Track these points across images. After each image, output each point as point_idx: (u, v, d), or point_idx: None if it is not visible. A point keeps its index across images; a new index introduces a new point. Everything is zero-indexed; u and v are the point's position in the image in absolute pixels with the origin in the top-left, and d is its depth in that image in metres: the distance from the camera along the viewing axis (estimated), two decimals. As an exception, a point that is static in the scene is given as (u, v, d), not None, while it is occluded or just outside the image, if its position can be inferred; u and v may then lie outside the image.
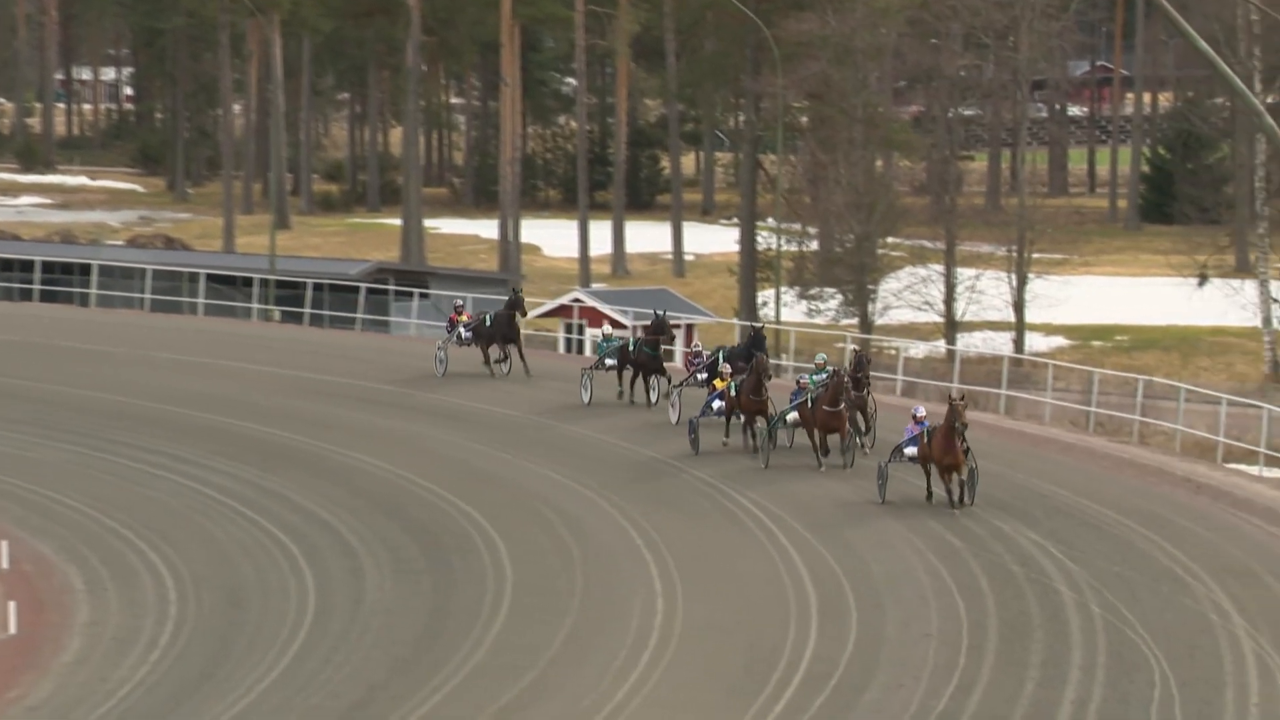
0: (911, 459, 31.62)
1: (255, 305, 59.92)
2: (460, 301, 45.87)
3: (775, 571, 28.81)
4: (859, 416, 35.44)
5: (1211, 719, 22.38)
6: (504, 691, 23.83)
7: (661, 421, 40.07)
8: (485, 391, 43.76)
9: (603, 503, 32.95)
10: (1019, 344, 66.11)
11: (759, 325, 38.56)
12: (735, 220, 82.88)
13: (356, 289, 59.63)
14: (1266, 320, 63.55)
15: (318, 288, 59.59)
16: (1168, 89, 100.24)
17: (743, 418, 35.56)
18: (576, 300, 60.06)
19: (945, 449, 30.50)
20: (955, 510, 30.76)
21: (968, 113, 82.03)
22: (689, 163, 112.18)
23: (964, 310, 66.94)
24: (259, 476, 35.28)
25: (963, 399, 31.47)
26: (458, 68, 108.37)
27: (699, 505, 32.83)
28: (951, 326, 66.40)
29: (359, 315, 58.47)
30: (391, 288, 60.59)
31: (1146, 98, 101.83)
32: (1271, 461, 39.40)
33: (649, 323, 41.17)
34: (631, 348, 39.28)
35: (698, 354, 39.03)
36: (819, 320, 67.91)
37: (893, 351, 59.31)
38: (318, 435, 38.62)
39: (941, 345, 62.42)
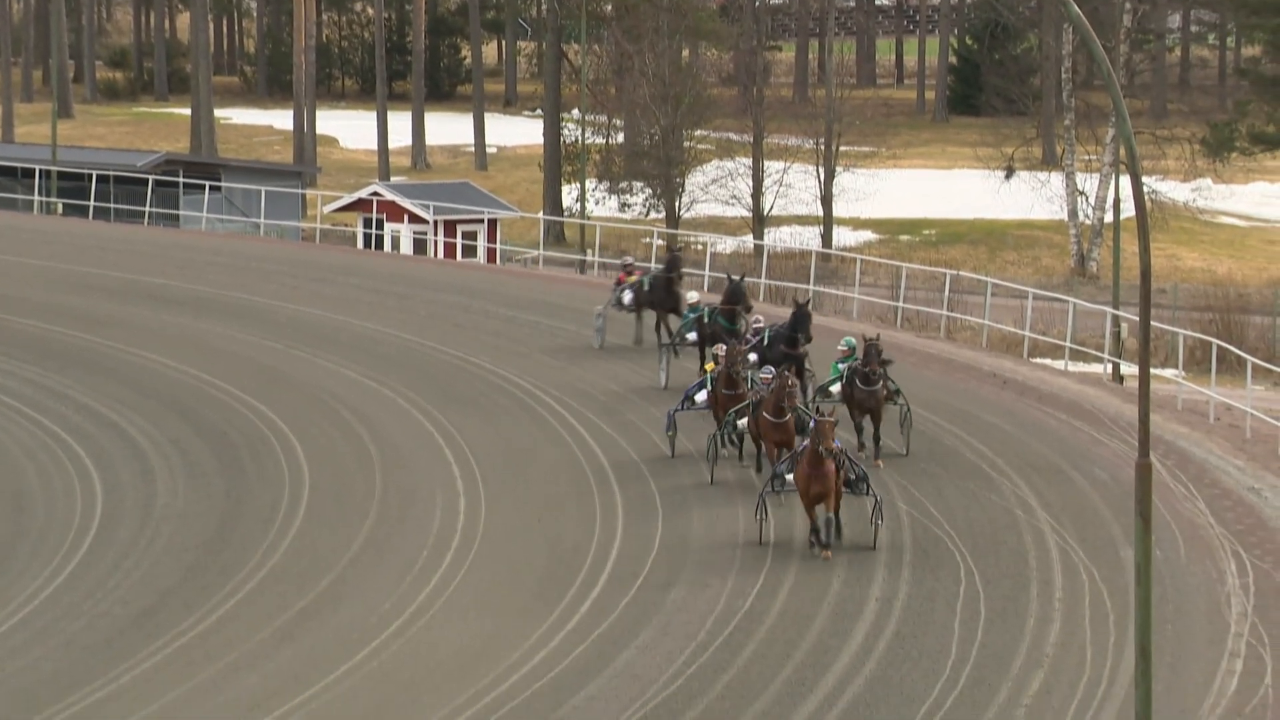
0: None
1: (36, 198, 58.74)
2: (630, 259, 39.02)
3: (581, 472, 28.90)
4: (867, 421, 28.93)
5: (1016, 614, 22.85)
6: (301, 595, 23.72)
7: (461, 321, 39.99)
8: (277, 288, 43.31)
9: (402, 402, 32.82)
10: (827, 239, 66.70)
11: (804, 302, 31.86)
12: (539, 112, 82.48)
13: (144, 181, 58.64)
14: (1073, 213, 64.61)
15: (103, 180, 58.54)
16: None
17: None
18: (375, 194, 59.58)
19: (811, 476, 24.38)
20: (824, 554, 24.53)
21: (775, 1, 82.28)
22: (490, 52, 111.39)
23: (772, 204, 67.37)
24: (41, 375, 34.66)
25: (831, 415, 25.28)
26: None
27: (501, 404, 32.81)
28: (759, 221, 66.81)
29: (147, 209, 57.50)
30: (181, 180, 59.66)
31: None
32: (1076, 356, 40.19)
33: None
34: (707, 318, 33.63)
35: (754, 329, 32.54)
36: (627, 215, 68.03)
37: (700, 246, 59.56)
38: (103, 333, 38.01)
39: (749, 240, 62.77)
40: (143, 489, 28.30)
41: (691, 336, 33.90)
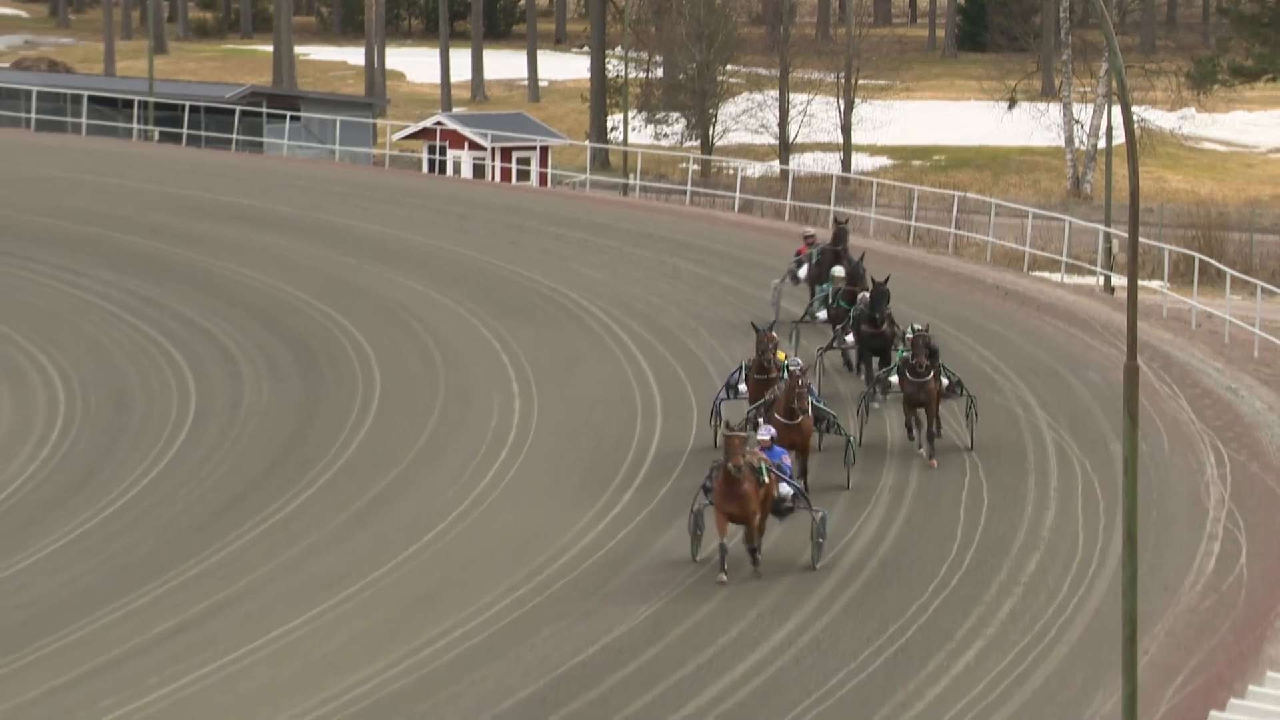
0: None
1: (135, 126, 58.72)
2: (811, 230, 34.74)
3: (623, 374, 28.90)
4: (921, 415, 24.66)
5: (1016, 503, 22.83)
6: (372, 485, 23.81)
7: (516, 239, 39.89)
8: (350, 209, 43.27)
9: (463, 311, 32.81)
10: (846, 164, 66.35)
11: (882, 280, 27.54)
12: (586, 49, 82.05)
13: (231, 112, 58.58)
14: (1069, 140, 64.19)
15: (194, 110, 58.52)
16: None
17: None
18: (439, 124, 59.42)
19: (725, 495, 20.01)
20: (719, 577, 20.11)
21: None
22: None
23: (796, 133, 67.07)
24: (141, 286, 34.75)
25: (741, 427, 21.42)
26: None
27: (552, 314, 32.78)
28: (785, 148, 66.53)
29: (234, 136, 57.48)
30: (264, 110, 59.57)
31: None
32: (1071, 269, 40.01)
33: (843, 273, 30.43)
34: (830, 298, 29.98)
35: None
36: (665, 143, 67.75)
37: (731, 171, 59.28)
38: (196, 249, 38.05)
39: (776, 165, 62.51)
40: (231, 389, 28.39)
41: (823, 315, 30.10)
